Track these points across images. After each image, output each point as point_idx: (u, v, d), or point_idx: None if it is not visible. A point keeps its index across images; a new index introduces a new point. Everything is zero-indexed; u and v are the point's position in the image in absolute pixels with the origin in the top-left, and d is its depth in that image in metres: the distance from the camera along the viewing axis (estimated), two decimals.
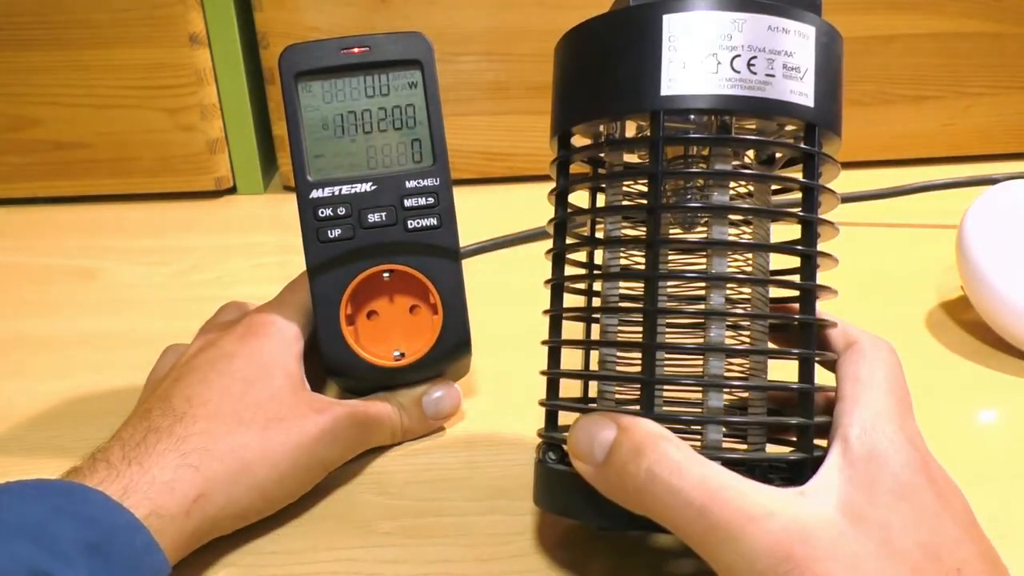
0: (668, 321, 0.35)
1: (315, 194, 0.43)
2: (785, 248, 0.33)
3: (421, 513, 0.40)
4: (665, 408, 0.35)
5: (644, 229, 0.32)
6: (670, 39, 0.30)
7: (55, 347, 0.55)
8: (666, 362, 0.34)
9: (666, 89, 0.30)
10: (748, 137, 0.32)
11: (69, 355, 0.54)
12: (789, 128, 0.33)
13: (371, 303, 0.44)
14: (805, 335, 0.31)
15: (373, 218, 0.43)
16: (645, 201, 0.33)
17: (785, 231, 0.35)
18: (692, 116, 0.32)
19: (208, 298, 0.50)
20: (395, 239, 0.43)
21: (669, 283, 0.36)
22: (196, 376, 0.40)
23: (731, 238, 0.33)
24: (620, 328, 0.35)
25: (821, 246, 0.32)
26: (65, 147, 0.72)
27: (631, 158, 0.36)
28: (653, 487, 0.29)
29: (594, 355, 0.37)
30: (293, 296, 0.44)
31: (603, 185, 0.36)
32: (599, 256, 0.38)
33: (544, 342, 0.36)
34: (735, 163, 0.33)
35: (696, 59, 0.30)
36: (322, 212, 0.43)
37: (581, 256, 0.39)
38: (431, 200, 0.43)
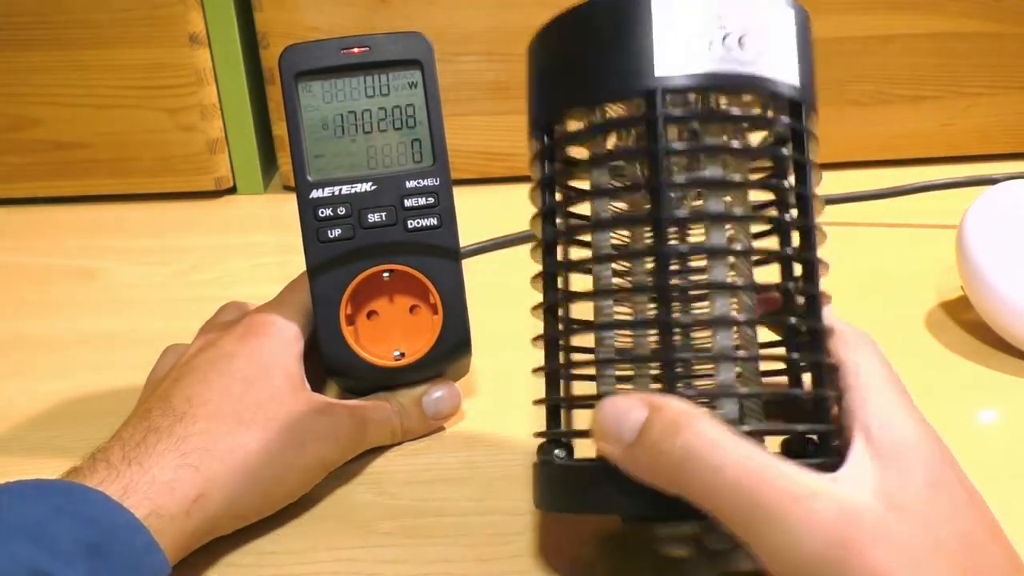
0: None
1: (315, 194, 0.43)
2: (783, 222, 0.33)
3: (421, 513, 0.40)
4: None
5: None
6: (662, 21, 0.30)
7: (55, 347, 0.55)
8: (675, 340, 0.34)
9: (660, 70, 0.30)
10: (747, 115, 0.33)
11: (69, 355, 0.54)
12: (771, 113, 0.33)
13: (371, 303, 0.44)
14: (811, 307, 0.32)
15: (373, 218, 0.43)
16: (633, 188, 0.33)
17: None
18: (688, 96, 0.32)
19: (208, 298, 0.50)
20: (395, 239, 0.43)
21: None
22: (196, 376, 0.40)
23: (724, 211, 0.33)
24: (616, 310, 0.35)
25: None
26: (65, 147, 0.72)
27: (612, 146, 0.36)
28: (690, 465, 0.28)
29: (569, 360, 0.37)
30: (293, 296, 0.44)
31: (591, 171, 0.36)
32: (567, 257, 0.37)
33: (536, 339, 0.36)
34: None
35: (687, 38, 0.30)
36: (322, 212, 0.43)
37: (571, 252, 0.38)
38: (431, 200, 0.43)
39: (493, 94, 0.72)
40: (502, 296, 0.54)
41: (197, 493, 0.35)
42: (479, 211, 0.55)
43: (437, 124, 0.44)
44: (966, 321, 0.53)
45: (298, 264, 0.43)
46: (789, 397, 0.33)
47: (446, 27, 0.70)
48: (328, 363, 0.44)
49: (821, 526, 0.26)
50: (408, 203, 0.43)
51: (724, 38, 0.30)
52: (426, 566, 0.37)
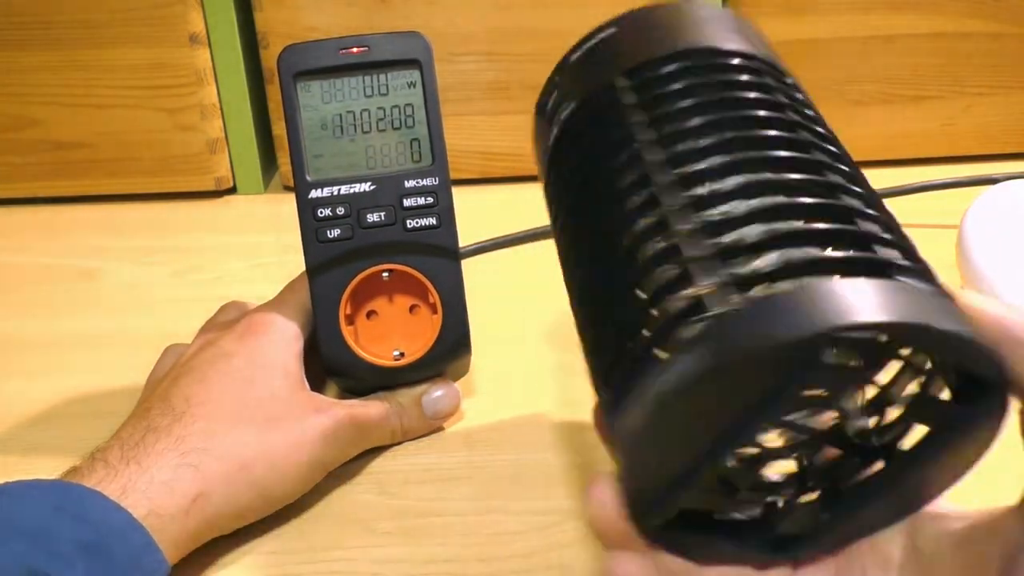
0: None
1: (314, 194, 0.43)
2: None
3: (421, 513, 0.40)
4: None
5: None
6: None
7: (55, 347, 0.55)
8: None
9: None
10: None
11: (69, 355, 0.54)
12: None
13: (370, 303, 0.44)
14: None
15: (372, 218, 0.43)
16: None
17: None
18: None
19: (208, 298, 0.50)
20: (394, 239, 0.43)
21: None
22: (195, 376, 0.40)
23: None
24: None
25: None
26: (65, 147, 0.72)
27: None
28: None
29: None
30: (293, 296, 0.44)
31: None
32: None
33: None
34: None
35: None
36: (321, 212, 0.43)
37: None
38: (430, 200, 0.43)
39: (493, 94, 0.72)
40: (502, 296, 0.54)
41: (196, 493, 0.35)
42: (479, 211, 0.55)
43: (436, 124, 0.44)
44: None
45: (298, 264, 0.43)
46: None
47: (446, 27, 0.70)
48: (328, 363, 0.44)
49: None
50: (407, 203, 0.43)
51: None
52: (426, 566, 0.37)
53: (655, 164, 0.29)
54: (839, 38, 0.71)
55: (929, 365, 0.28)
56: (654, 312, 0.26)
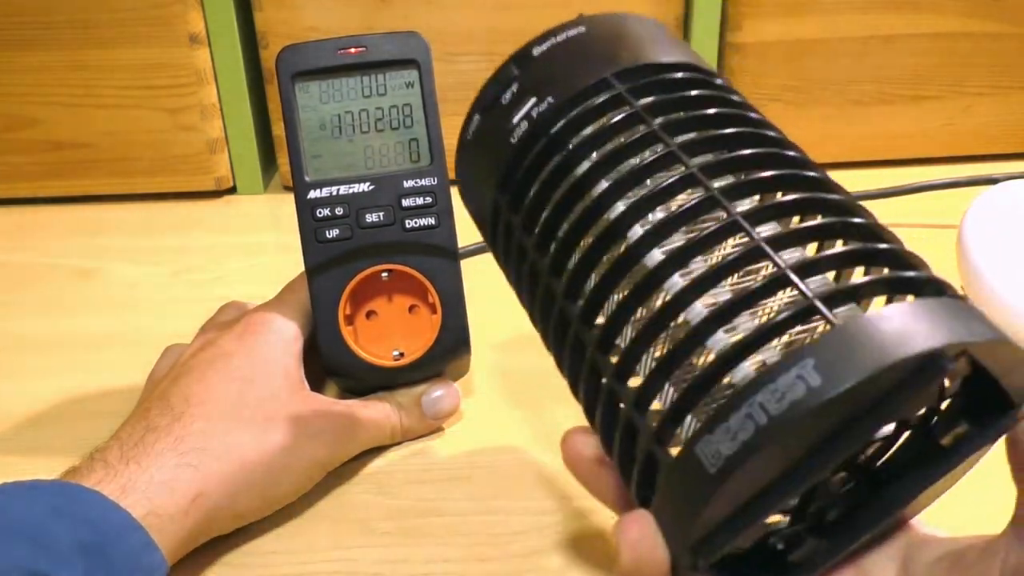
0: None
1: (313, 194, 0.43)
2: None
3: (421, 513, 0.40)
4: None
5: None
6: None
7: (54, 347, 0.55)
8: None
9: None
10: None
11: (69, 355, 0.54)
12: None
13: (370, 303, 0.44)
14: None
15: (371, 218, 0.43)
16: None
17: None
18: None
19: (208, 298, 0.50)
20: (393, 239, 0.43)
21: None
22: (195, 375, 0.40)
23: None
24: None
25: None
26: (65, 147, 0.72)
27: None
28: None
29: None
30: (292, 296, 0.44)
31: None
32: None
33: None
34: None
35: None
36: (320, 212, 0.43)
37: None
38: (429, 200, 0.43)
39: None
40: (502, 296, 0.54)
41: (195, 492, 0.35)
42: None
43: (434, 124, 0.44)
44: None
45: (297, 264, 0.43)
46: None
47: (446, 27, 0.70)
48: (327, 363, 0.44)
49: None
50: (406, 203, 0.43)
51: None
52: (426, 566, 0.37)
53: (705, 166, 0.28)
54: (839, 38, 0.71)
55: (954, 386, 0.28)
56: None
